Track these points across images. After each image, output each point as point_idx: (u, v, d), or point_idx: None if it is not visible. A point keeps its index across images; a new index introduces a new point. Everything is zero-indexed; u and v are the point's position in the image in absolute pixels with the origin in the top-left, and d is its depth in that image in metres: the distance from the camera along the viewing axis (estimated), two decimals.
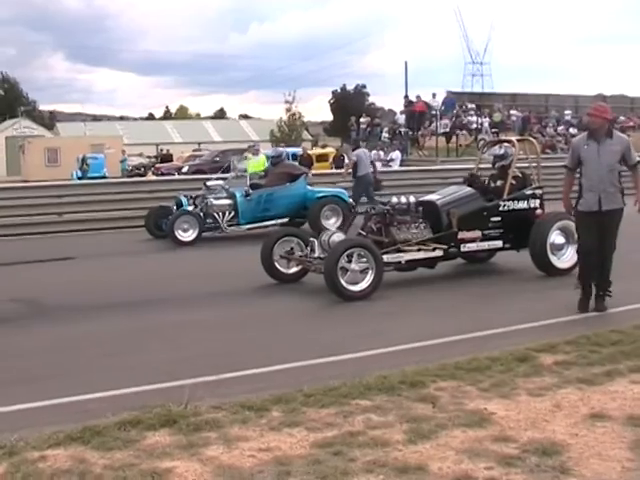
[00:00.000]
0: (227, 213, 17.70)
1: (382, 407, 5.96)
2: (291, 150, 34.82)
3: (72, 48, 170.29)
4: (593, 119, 9.44)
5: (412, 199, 12.01)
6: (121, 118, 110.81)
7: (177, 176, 34.60)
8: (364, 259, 10.65)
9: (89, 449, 5.27)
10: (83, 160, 43.68)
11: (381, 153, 33.25)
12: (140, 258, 15.86)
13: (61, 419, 5.98)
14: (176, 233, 16.99)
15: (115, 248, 17.11)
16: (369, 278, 10.66)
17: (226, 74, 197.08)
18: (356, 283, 10.59)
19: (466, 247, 12.06)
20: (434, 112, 40.79)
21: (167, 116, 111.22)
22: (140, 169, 45.85)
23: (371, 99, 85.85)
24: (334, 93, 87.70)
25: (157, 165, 47.00)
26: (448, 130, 39.40)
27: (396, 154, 32.55)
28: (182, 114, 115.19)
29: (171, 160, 50.88)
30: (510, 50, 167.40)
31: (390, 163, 31.46)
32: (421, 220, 11.91)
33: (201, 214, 17.52)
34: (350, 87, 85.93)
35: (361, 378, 6.62)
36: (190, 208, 17.63)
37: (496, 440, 5.28)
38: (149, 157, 54.25)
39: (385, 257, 11.11)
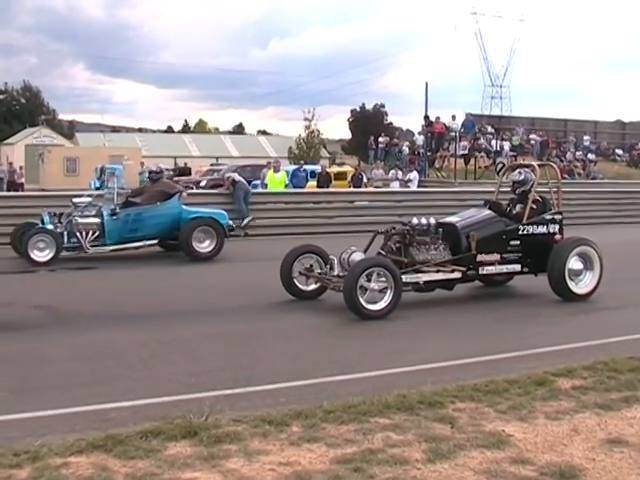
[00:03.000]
0: (91, 232, 16.50)
1: (401, 426, 6.01)
2: (310, 167, 34.95)
3: (93, 58, 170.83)
4: None
5: (432, 220, 12.04)
6: (140, 130, 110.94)
7: None
8: (383, 278, 10.68)
9: (111, 457, 5.33)
10: (102, 170, 43.72)
11: (399, 173, 33.32)
12: (154, 270, 15.91)
13: (84, 427, 6.06)
14: (30, 252, 15.71)
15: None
16: (388, 298, 10.67)
17: (245, 89, 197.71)
18: (375, 302, 10.63)
19: (485, 270, 12.09)
20: (453, 134, 40.81)
21: (186, 129, 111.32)
22: None
23: (389, 119, 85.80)
24: (353, 112, 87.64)
25: (175, 178, 47.06)
26: (467, 152, 39.39)
27: (414, 174, 32.56)
28: (201, 128, 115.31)
29: (189, 174, 50.99)
30: (529, 74, 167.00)
31: (408, 183, 31.49)
32: (441, 241, 11.94)
33: (65, 233, 16.37)
34: (369, 106, 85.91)
35: (380, 396, 6.66)
36: (50, 226, 16.31)
37: (514, 462, 5.32)
38: (167, 170, 54.34)
39: (404, 277, 11.12)
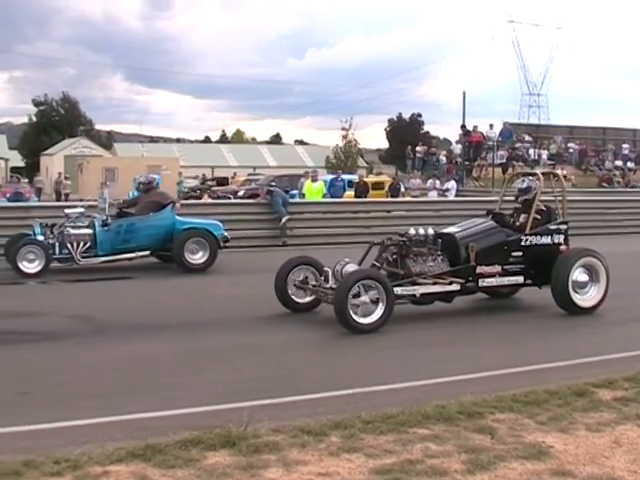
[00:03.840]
0: (83, 243, 16.18)
1: (440, 436, 5.99)
2: (347, 177, 34.91)
3: (131, 69, 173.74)
4: None
5: (430, 231, 11.77)
6: (177, 140, 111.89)
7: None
8: (375, 291, 10.38)
9: (150, 466, 5.36)
10: None
11: (437, 182, 33.23)
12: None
13: (123, 435, 6.10)
14: (19, 264, 15.43)
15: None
16: (379, 311, 10.36)
17: (282, 99, 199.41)
18: (367, 315, 10.33)
19: (485, 282, 11.72)
20: (490, 143, 40.58)
21: (223, 140, 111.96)
22: (196, 191, 46.17)
23: (426, 128, 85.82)
24: (390, 121, 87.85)
25: (214, 188, 47.26)
26: (504, 161, 39.14)
27: (452, 184, 32.45)
28: (238, 138, 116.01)
29: (227, 183, 51.23)
30: (567, 82, 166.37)
31: (446, 193, 31.40)
32: (439, 253, 11.65)
33: (56, 244, 16.08)
34: (406, 115, 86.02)
35: (419, 407, 6.65)
36: (41, 237, 15.96)
37: (555, 474, 5.27)
38: (205, 180, 54.63)
39: (399, 290, 10.89)
